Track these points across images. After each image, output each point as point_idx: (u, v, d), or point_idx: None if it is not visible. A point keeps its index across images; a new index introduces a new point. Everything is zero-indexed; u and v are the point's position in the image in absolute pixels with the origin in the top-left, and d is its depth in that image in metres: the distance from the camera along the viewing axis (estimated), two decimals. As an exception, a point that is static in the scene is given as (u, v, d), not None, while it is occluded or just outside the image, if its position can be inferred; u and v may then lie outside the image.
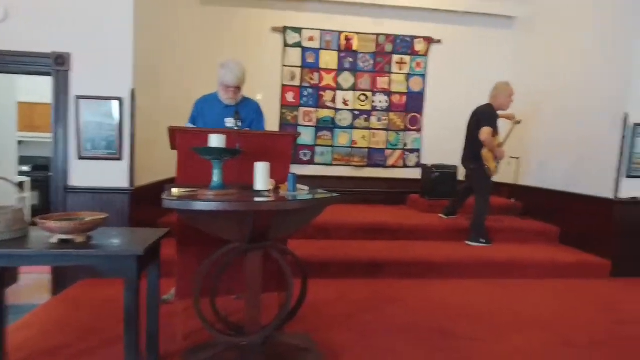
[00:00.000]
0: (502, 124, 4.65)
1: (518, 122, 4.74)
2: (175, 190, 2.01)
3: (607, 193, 4.14)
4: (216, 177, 2.02)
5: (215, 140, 2.03)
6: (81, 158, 3.50)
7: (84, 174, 3.53)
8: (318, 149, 6.10)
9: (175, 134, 2.38)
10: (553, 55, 5.20)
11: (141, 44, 3.67)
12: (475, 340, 2.68)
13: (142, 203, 3.75)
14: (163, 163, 3.99)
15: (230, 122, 2.79)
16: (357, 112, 6.12)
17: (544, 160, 5.21)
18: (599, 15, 4.47)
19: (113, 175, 3.55)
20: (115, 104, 3.49)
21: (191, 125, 2.99)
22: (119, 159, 3.54)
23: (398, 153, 6.26)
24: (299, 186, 2.34)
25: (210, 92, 3.08)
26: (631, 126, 4.01)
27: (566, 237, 4.73)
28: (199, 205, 1.80)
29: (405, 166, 6.28)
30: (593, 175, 4.36)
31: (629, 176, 4.07)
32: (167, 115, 4.19)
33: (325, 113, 6.06)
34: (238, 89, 2.92)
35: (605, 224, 4.17)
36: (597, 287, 3.87)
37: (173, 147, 2.48)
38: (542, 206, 5.11)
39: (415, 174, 6.11)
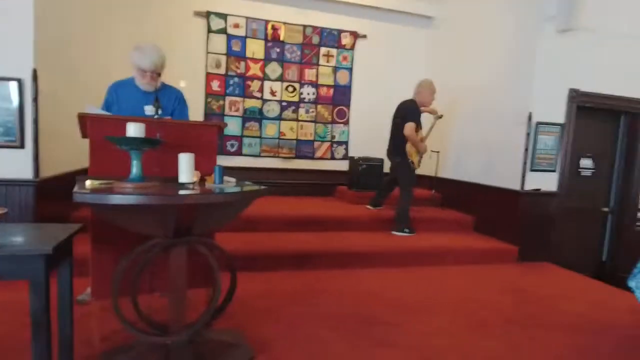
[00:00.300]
0: (425, 119, 4.89)
1: (440, 117, 5.01)
2: (88, 183, 1.85)
3: (515, 185, 4.53)
4: (135, 168, 1.89)
5: (134, 129, 1.89)
6: (-29, 146, 3.10)
7: (-23, 164, 3.13)
8: (246, 140, 5.98)
9: (85, 121, 2.18)
10: (465, 55, 5.56)
11: (44, 22, 3.30)
12: (396, 325, 2.81)
13: (50, 196, 3.41)
14: (76, 152, 3.66)
15: (149, 109, 2.63)
16: (285, 104, 6.08)
17: (461, 155, 5.57)
18: (505, 19, 4.84)
19: (13, 165, 3.19)
20: (13, 85, 3.11)
21: (104, 112, 2.75)
22: (19, 147, 3.18)
23: (326, 145, 6.33)
24: (226, 178, 2.27)
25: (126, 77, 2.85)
26: (534, 124, 4.41)
27: (480, 225, 5.11)
28: (117, 199, 1.67)
29: (333, 158, 6.38)
30: (502, 169, 4.74)
31: (532, 170, 4.47)
32: (81, 101, 3.83)
33: (252, 103, 5.94)
34: (156, 74, 2.73)
35: (513, 213, 4.56)
36: (505, 271, 4.23)
37: (84, 135, 2.28)
38: (459, 197, 5.47)
39: (343, 166, 6.24)
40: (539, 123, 4.41)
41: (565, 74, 4.40)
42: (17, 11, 3.10)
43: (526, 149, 4.41)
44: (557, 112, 4.47)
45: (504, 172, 4.71)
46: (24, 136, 3.19)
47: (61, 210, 3.69)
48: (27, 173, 3.22)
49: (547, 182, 4.54)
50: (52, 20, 3.50)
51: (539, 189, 4.49)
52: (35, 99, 3.18)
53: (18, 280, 1.65)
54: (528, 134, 4.40)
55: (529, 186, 4.48)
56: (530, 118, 4.38)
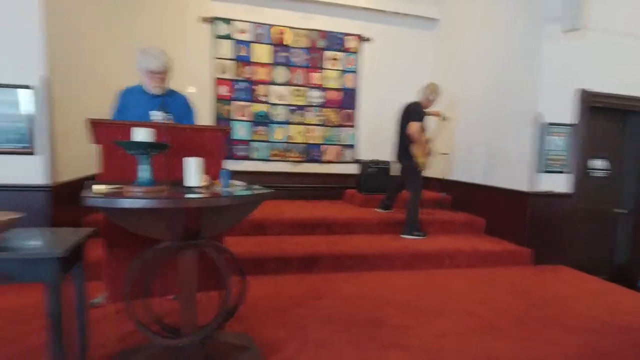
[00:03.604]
0: (431, 122, 4.88)
1: (444, 119, 5.00)
2: (97, 187, 1.88)
3: (525, 187, 4.48)
4: (143, 172, 1.91)
5: (141, 134, 1.92)
6: (-14, 152, 3.17)
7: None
8: (254, 144, 6.03)
9: (95, 127, 2.23)
10: (471, 56, 5.54)
11: (56, 30, 3.37)
12: (406, 327, 2.81)
13: (64, 201, 3.47)
14: (88, 157, 3.73)
15: (156, 115, 2.67)
16: (292, 107, 6.11)
17: (470, 156, 5.54)
18: (510, 20, 4.82)
19: (28, 171, 3.26)
20: (25, 93, 3.18)
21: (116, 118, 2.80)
22: (32, 153, 3.24)
23: (334, 149, 6.35)
24: (234, 182, 2.30)
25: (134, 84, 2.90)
26: (543, 125, 4.37)
27: (491, 228, 5.06)
28: (125, 203, 1.71)
29: (341, 161, 6.39)
30: (512, 170, 4.70)
31: (545, 171, 4.41)
32: (92, 107, 3.91)
33: (259, 107, 5.99)
34: (164, 76, 2.77)
35: (523, 215, 4.51)
36: (517, 274, 4.18)
37: (94, 141, 2.32)
38: (470, 199, 5.44)
39: (351, 169, 6.25)
40: (548, 124, 4.37)
41: (573, 74, 4.37)
42: (28, 20, 3.17)
43: (535, 150, 4.38)
44: (565, 112, 4.43)
45: (513, 174, 4.67)
46: (38, 142, 3.25)
47: (75, 215, 3.75)
48: (41, 179, 3.28)
49: (559, 183, 4.50)
50: (63, 28, 3.58)
51: (550, 191, 4.45)
52: (48, 106, 3.24)
53: (34, 282, 1.69)
54: (537, 135, 4.36)
55: (541, 188, 4.43)
56: (539, 119, 4.35)
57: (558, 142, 4.43)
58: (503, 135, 4.86)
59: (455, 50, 5.97)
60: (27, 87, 3.18)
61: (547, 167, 4.43)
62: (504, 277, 4.04)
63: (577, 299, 3.53)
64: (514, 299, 3.46)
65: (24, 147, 3.23)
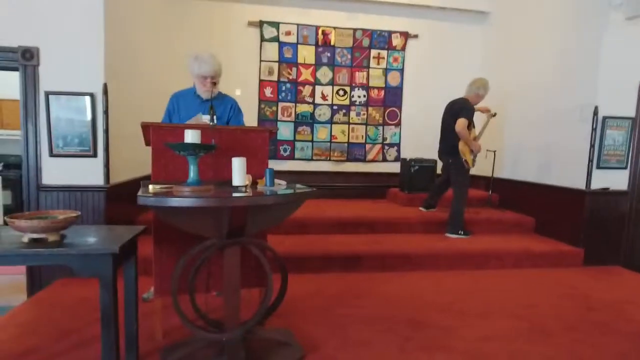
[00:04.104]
0: (478, 118, 4.73)
1: (493, 115, 4.82)
2: (151, 187, 1.99)
3: (580, 184, 4.26)
4: (192, 173, 2.00)
5: (191, 136, 2.01)
6: (53, 155, 3.42)
7: (57, 172, 3.45)
8: (298, 144, 6.10)
9: (148, 129, 2.35)
10: (524, 49, 5.30)
11: (112, 38, 3.59)
12: (448, 329, 2.74)
13: (118, 201, 3.69)
14: (140, 159, 3.93)
15: (206, 118, 2.77)
16: (335, 107, 6.13)
17: (519, 154, 5.33)
18: (566, 9, 4.57)
19: (87, 173, 3.48)
20: (87, 100, 3.41)
21: (167, 121, 2.94)
22: (92, 155, 3.47)
23: (377, 147, 6.31)
24: (277, 181, 2.35)
25: (186, 87, 3.03)
26: (601, 119, 4.13)
27: (541, 227, 4.85)
28: (174, 202, 1.79)
29: (384, 160, 6.34)
30: (565, 167, 4.48)
31: (600, 167, 4.18)
32: (147, 111, 4.12)
33: (304, 108, 6.05)
34: (214, 81, 2.87)
35: (577, 214, 4.29)
36: (569, 275, 3.99)
37: (147, 143, 2.45)
38: (518, 198, 5.23)
39: (395, 168, 6.18)
40: (606, 117, 4.12)
41: (635, 64, 4.09)
42: (91, 32, 3.39)
43: (592, 146, 4.14)
44: (626, 105, 4.16)
45: (567, 171, 4.44)
46: (97, 146, 3.48)
47: (128, 213, 3.97)
48: (98, 180, 3.50)
49: (617, 180, 4.23)
50: (120, 37, 3.80)
51: (607, 188, 4.19)
52: (105, 111, 3.45)
53: (89, 277, 1.81)
54: (594, 129, 4.12)
55: (597, 185, 4.19)
56: (596, 112, 4.11)
57: (617, 137, 4.17)
58: (557, 131, 4.63)
59: (507, 43, 5.74)
60: (90, 94, 3.40)
61: (604, 163, 4.18)
62: (554, 279, 3.86)
63: (635, 303, 3.32)
64: (565, 302, 3.29)
65: (84, 150, 3.46)
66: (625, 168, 4.25)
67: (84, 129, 3.44)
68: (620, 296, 3.46)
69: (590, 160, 4.17)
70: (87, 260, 1.77)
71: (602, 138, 4.16)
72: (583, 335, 2.73)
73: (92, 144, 3.46)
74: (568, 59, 4.51)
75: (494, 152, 5.35)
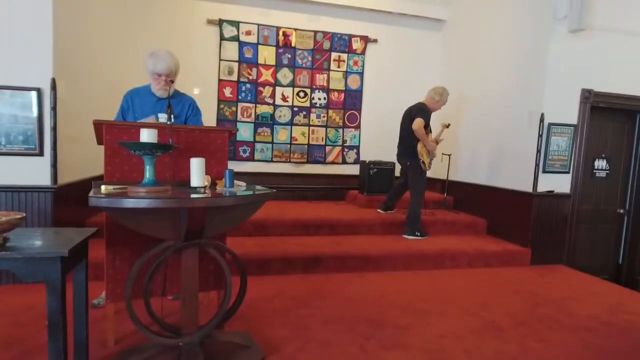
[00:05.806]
0: (435, 126, 4.88)
1: (447, 126, 5.04)
2: (103, 188, 1.91)
3: (527, 187, 4.48)
4: (148, 173, 1.94)
5: (147, 135, 1.94)
6: (-6, 154, 3.21)
7: (0, 171, 3.24)
8: (258, 145, 6.04)
9: (101, 127, 2.25)
10: (478, 57, 5.53)
11: (63, 32, 3.42)
12: (407, 327, 2.81)
13: (67, 202, 3.50)
14: (91, 159, 3.76)
15: (163, 117, 2.69)
16: (296, 109, 6.13)
17: (473, 157, 5.54)
18: (517, 20, 4.81)
19: (33, 172, 3.29)
20: (33, 95, 3.22)
21: (120, 119, 2.82)
22: (39, 154, 3.28)
23: (337, 150, 6.36)
24: (237, 182, 2.32)
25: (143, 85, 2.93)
26: (546, 126, 4.36)
27: (493, 228, 5.06)
28: (130, 203, 1.73)
29: (344, 162, 6.40)
30: (515, 171, 4.70)
31: (545, 171, 4.42)
32: (98, 108, 3.94)
33: (264, 109, 6.00)
34: (170, 79, 2.79)
35: (525, 215, 4.51)
36: (518, 274, 4.19)
37: (100, 142, 2.35)
38: (472, 200, 5.43)
39: (354, 170, 6.26)
40: (551, 124, 4.36)
41: (578, 74, 4.35)
42: (37, 23, 3.20)
43: (538, 151, 4.37)
44: (570, 113, 4.42)
45: (516, 174, 4.66)
46: (43, 144, 3.29)
47: (78, 216, 3.79)
48: (45, 180, 3.31)
49: (561, 183, 4.49)
50: (71, 30, 3.61)
51: (552, 191, 4.44)
52: (54, 108, 3.27)
53: (36, 282, 1.71)
54: (540, 136, 4.35)
55: (542, 188, 4.43)
56: (542, 119, 4.34)
57: (560, 143, 4.42)
58: (508, 136, 4.85)
59: (462, 51, 5.96)
60: (37, 89, 3.21)
61: (549, 167, 4.42)
62: (505, 278, 4.04)
63: (578, 299, 3.53)
64: (515, 300, 3.45)
65: (30, 149, 3.26)
66: (568, 172, 4.50)
67: (29, 125, 3.25)
68: (564, 293, 3.68)
69: (537, 165, 4.40)
70: (33, 264, 1.67)
71: (547, 144, 4.39)
72: (531, 330, 2.88)
73: (38, 142, 3.27)
74: (518, 68, 4.74)
75: (449, 155, 5.53)
